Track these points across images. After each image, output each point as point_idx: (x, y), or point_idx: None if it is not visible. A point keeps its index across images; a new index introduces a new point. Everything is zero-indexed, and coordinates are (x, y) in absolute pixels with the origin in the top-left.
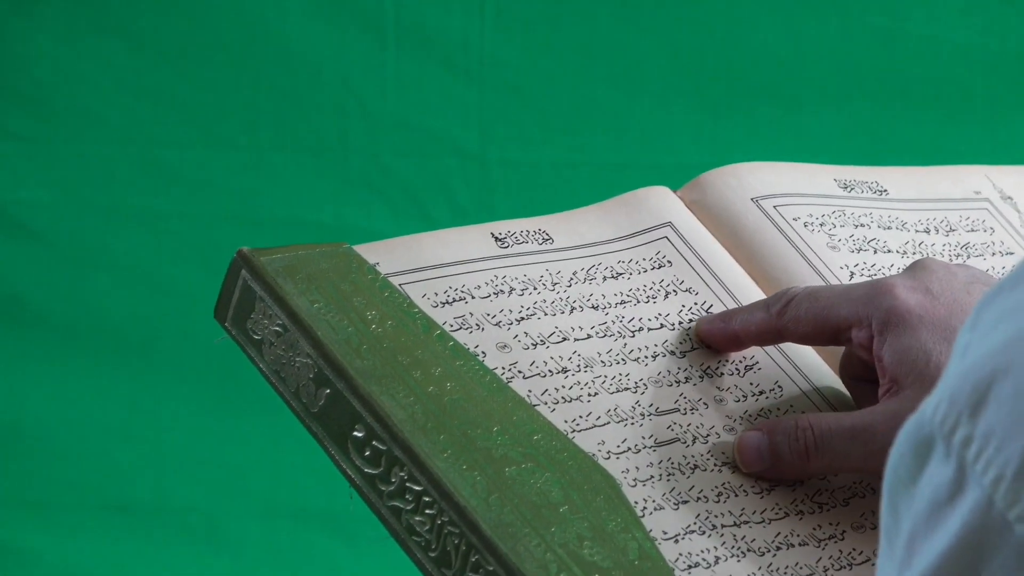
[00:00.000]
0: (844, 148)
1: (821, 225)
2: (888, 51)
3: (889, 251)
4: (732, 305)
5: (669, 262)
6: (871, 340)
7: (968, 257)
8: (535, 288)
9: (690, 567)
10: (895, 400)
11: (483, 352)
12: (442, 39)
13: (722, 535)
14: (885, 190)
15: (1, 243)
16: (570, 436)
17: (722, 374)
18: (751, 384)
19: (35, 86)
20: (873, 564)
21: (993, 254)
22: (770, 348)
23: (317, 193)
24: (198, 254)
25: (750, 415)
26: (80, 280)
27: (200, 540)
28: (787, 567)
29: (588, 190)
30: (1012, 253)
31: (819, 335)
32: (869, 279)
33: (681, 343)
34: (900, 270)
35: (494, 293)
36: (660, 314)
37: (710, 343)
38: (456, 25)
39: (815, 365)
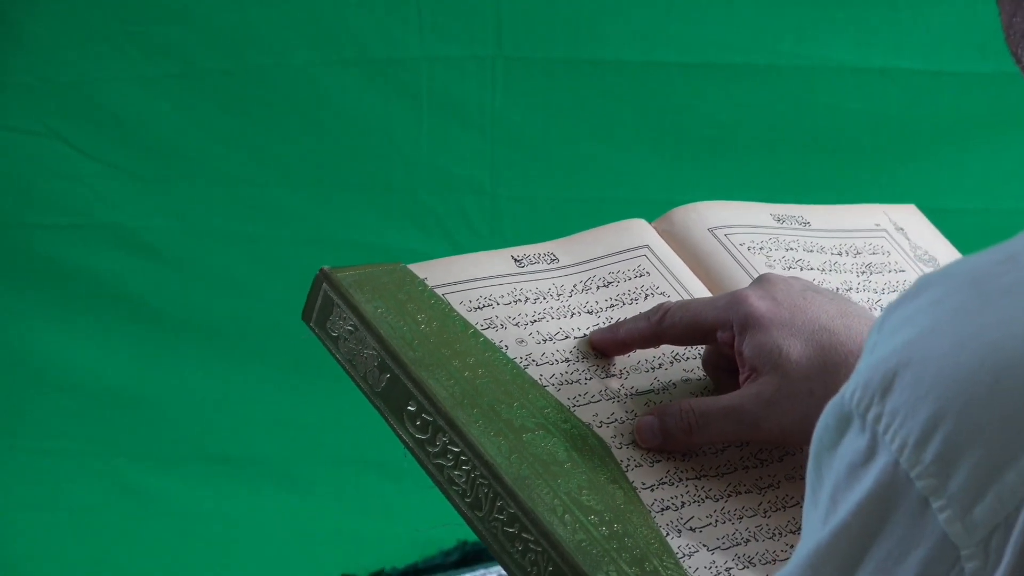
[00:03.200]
0: (770, 186)
1: (760, 249)
2: (803, 113)
3: (811, 269)
4: None
5: (647, 273)
6: (733, 339)
7: (871, 274)
8: (544, 297)
9: (663, 510)
10: (755, 384)
11: (506, 346)
12: (463, 104)
13: (687, 485)
14: (808, 222)
15: (132, 259)
16: (571, 410)
17: (687, 358)
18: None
19: (154, 140)
20: (802, 507)
21: (890, 271)
22: None
23: (368, 221)
24: (280, 268)
25: (710, 392)
26: (190, 288)
27: (281, 483)
28: (736, 509)
29: (576, 219)
30: (904, 271)
31: (691, 337)
32: (727, 292)
33: None
34: (823, 283)
35: (514, 301)
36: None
37: (601, 350)
38: (474, 93)
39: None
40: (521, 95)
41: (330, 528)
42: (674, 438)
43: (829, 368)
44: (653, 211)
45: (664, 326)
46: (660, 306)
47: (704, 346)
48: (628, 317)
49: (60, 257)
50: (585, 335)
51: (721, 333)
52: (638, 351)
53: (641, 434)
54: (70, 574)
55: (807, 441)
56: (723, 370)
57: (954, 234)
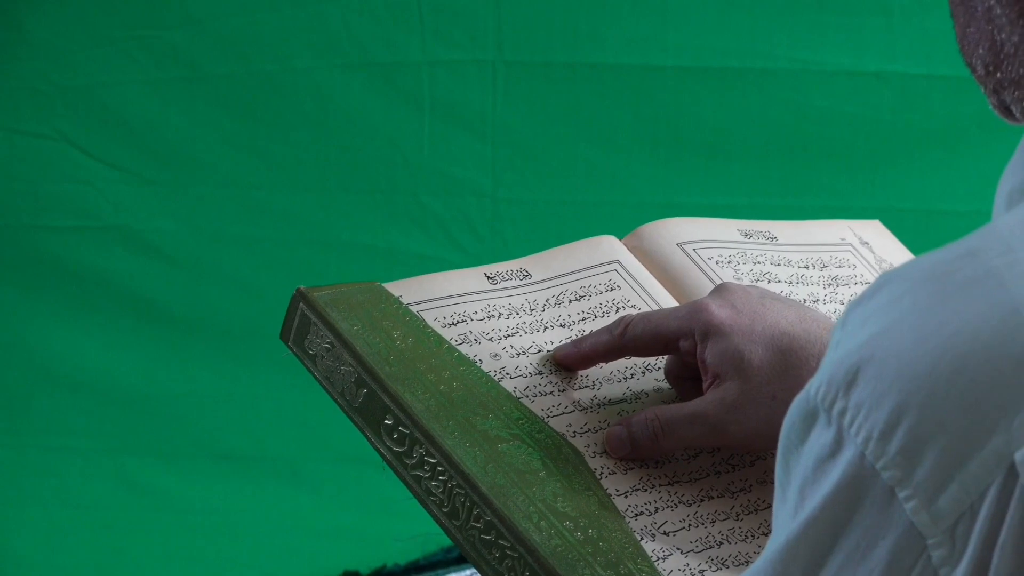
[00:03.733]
0: (765, 189)
1: (728, 262)
2: (798, 116)
3: (779, 281)
4: None
5: (618, 287)
6: (695, 347)
7: (837, 286)
8: (518, 313)
9: (637, 515)
10: (719, 390)
11: (480, 360)
12: (464, 108)
13: (660, 491)
14: (775, 237)
15: (140, 261)
16: (545, 421)
17: (658, 368)
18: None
19: (161, 144)
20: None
21: (856, 284)
22: None
23: (372, 223)
24: (285, 269)
25: (678, 401)
26: (197, 289)
27: (286, 481)
28: (709, 513)
29: (574, 221)
30: (869, 282)
31: (654, 347)
32: (688, 302)
33: None
34: (790, 295)
35: (487, 317)
36: None
37: (565, 365)
38: (475, 98)
39: None
40: (521, 99)
41: (334, 525)
42: (641, 446)
43: (791, 372)
44: (650, 214)
45: (627, 338)
46: (622, 319)
47: (666, 357)
48: (590, 332)
49: (69, 258)
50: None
51: (683, 342)
52: (610, 363)
53: (611, 444)
54: (78, 569)
55: (772, 444)
56: (685, 379)
57: (945, 235)
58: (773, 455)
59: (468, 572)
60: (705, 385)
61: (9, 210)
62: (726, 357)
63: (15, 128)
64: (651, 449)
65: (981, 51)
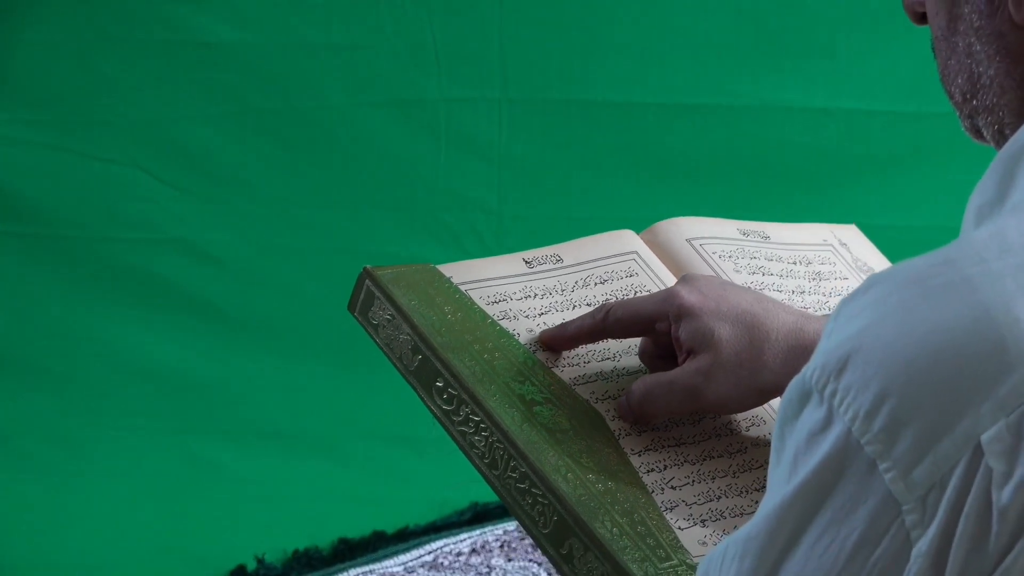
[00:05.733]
0: (730, 206)
1: (730, 256)
2: (758, 145)
3: (771, 274)
4: None
5: (636, 274)
6: (670, 327)
7: (820, 280)
8: (551, 293)
9: (649, 471)
10: (693, 362)
11: (518, 334)
12: (475, 138)
13: (668, 451)
14: (768, 236)
15: (197, 267)
16: (573, 388)
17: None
18: None
19: (215, 167)
20: (766, 469)
21: (836, 279)
22: None
23: (394, 235)
24: (322, 274)
25: None
26: (247, 291)
27: (322, 455)
28: (710, 471)
29: (568, 234)
30: (847, 279)
31: (633, 329)
32: (661, 289)
33: None
34: (780, 287)
35: (525, 296)
36: None
37: (551, 346)
38: (483, 129)
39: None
40: (523, 130)
41: (363, 493)
42: (635, 412)
43: (755, 343)
44: (632, 227)
45: (609, 322)
46: (603, 306)
47: (640, 340)
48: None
49: (138, 265)
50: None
51: (660, 324)
52: (628, 339)
53: (619, 412)
54: (148, 532)
55: (742, 406)
56: (658, 358)
57: (882, 246)
58: (766, 422)
59: (478, 532)
60: (680, 359)
61: (86, 225)
62: (698, 334)
63: (92, 155)
64: (641, 414)
65: (960, 81)
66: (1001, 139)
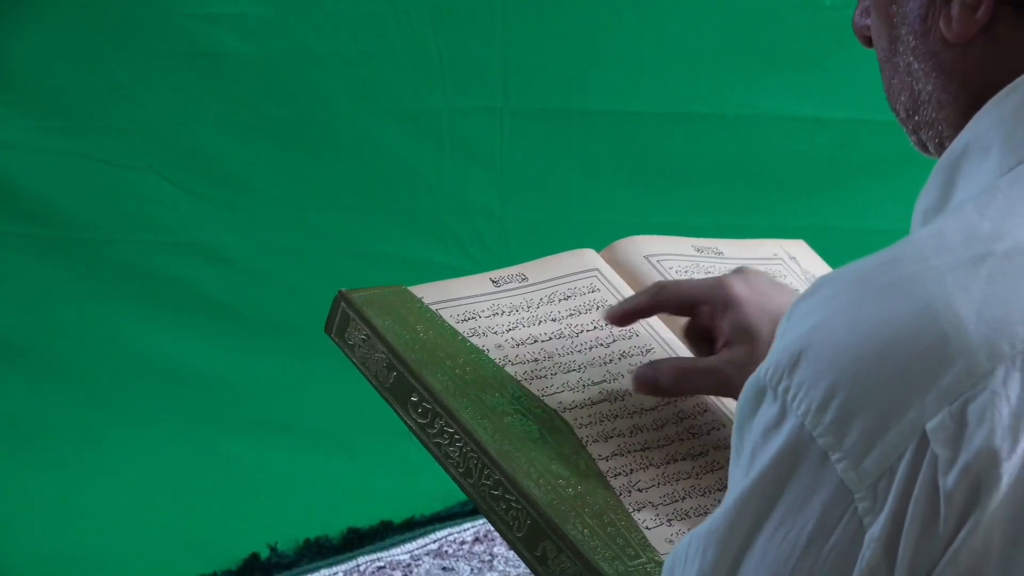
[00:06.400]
0: (722, 211)
1: (685, 271)
2: (750, 153)
3: None
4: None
5: (598, 289)
6: (714, 314)
7: None
8: (517, 310)
9: (616, 475)
10: (730, 352)
11: (487, 349)
12: (477, 146)
13: (634, 455)
14: (721, 252)
15: (211, 269)
16: (542, 398)
17: (633, 355)
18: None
19: (227, 172)
20: (727, 470)
21: None
22: (656, 343)
23: (399, 237)
24: (328, 274)
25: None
26: (258, 291)
27: (331, 449)
28: (674, 473)
29: (564, 237)
30: (798, 290)
31: (680, 308)
32: (714, 277)
33: (607, 338)
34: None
35: (493, 314)
36: (593, 321)
37: (612, 321)
38: (485, 138)
39: (673, 340)
40: (523, 138)
41: (372, 485)
42: (661, 387)
43: None
44: (628, 231)
45: (660, 298)
46: (656, 283)
47: (684, 322)
48: (643, 331)
49: (153, 266)
50: (550, 339)
51: (705, 307)
52: (594, 352)
53: (637, 381)
54: (164, 522)
55: None
56: (700, 339)
57: (869, 249)
58: (726, 425)
59: (481, 522)
60: (718, 346)
61: (103, 227)
62: (739, 326)
63: (108, 160)
64: (670, 390)
65: (903, 98)
66: (942, 150)
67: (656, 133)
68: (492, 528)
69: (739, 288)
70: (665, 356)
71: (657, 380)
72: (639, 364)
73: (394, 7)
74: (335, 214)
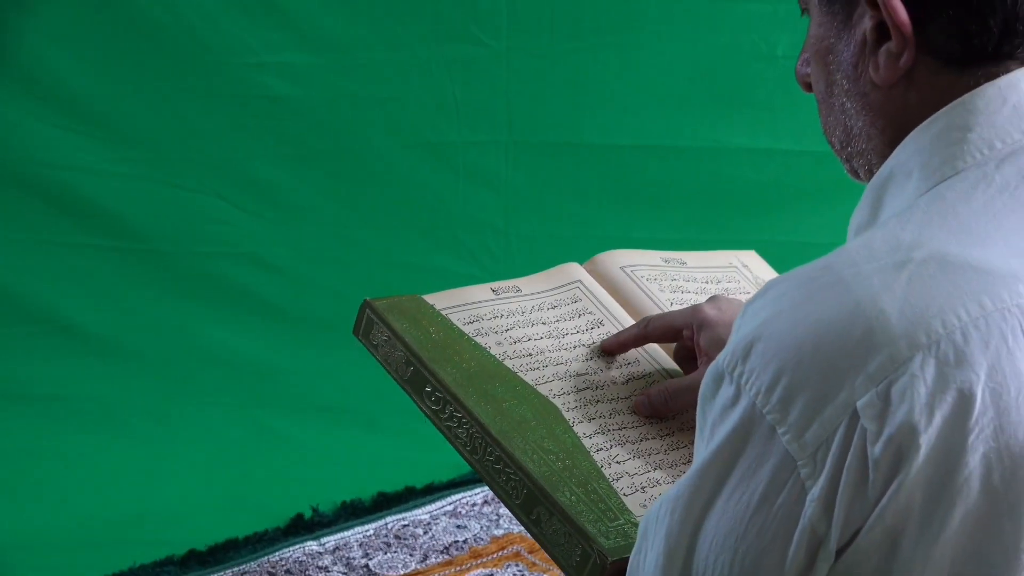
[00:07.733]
0: (691, 228)
1: (655, 280)
2: (714, 179)
3: (689, 292)
4: (613, 321)
5: (580, 299)
6: (694, 336)
7: (729, 294)
8: (513, 315)
9: (597, 451)
10: (708, 366)
11: (489, 347)
12: (486, 174)
13: (612, 434)
14: (685, 262)
15: (264, 275)
16: (536, 387)
17: (611, 355)
18: (627, 364)
19: (279, 196)
20: (691, 448)
21: (741, 294)
22: (644, 355)
23: (422, 250)
24: (363, 280)
25: (626, 379)
26: (304, 294)
27: (362, 426)
28: (648, 450)
29: (559, 249)
30: (749, 293)
31: (666, 335)
32: (689, 305)
33: (590, 340)
34: (695, 301)
35: (493, 317)
36: (577, 326)
37: (609, 352)
38: (493, 167)
39: (665, 358)
40: (525, 167)
41: (397, 456)
42: (657, 408)
43: None
44: (612, 244)
45: (648, 330)
46: (645, 318)
47: (673, 345)
48: (622, 326)
49: (217, 274)
50: (541, 338)
51: (686, 332)
52: (577, 350)
53: (637, 409)
54: (224, 487)
55: None
56: (688, 359)
57: (809, 256)
58: (692, 412)
59: (479, 490)
60: (700, 363)
61: (175, 241)
62: (714, 342)
63: (181, 185)
64: (664, 409)
65: (838, 132)
66: (871, 176)
67: (636, 162)
68: None
69: (711, 311)
70: (615, 331)
71: (653, 405)
72: (620, 366)
73: (417, 57)
74: (369, 230)
